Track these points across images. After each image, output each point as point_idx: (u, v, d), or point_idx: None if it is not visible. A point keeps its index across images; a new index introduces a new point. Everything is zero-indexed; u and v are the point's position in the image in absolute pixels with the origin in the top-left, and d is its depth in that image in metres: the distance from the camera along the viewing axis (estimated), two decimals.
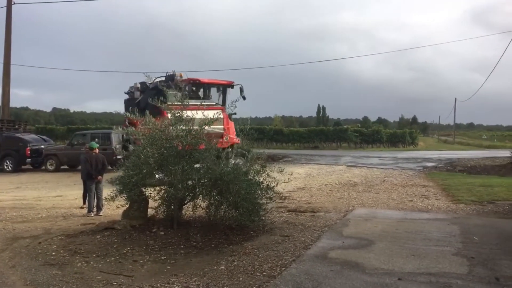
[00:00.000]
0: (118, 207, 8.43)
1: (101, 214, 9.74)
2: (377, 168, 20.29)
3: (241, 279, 5.12)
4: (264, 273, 5.32)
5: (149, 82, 15.99)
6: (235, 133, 17.52)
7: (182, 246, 6.69)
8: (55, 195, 12.93)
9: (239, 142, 18.02)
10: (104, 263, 5.92)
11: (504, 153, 22.61)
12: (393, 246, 6.33)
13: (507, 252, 6.03)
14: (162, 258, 6.15)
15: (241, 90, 17.50)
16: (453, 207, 9.94)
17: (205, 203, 7.75)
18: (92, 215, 9.61)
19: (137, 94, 16.50)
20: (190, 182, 7.42)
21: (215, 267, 5.61)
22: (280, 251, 6.25)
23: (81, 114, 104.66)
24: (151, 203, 7.98)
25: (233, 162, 8.16)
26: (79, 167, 13.63)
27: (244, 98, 17.39)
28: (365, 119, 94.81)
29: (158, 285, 5.03)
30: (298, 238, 6.97)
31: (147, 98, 15.48)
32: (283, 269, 5.39)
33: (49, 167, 20.21)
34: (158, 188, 7.66)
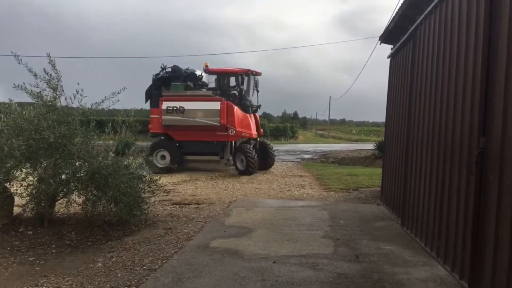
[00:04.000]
0: None
1: None
2: None
3: (119, 275, 4.97)
4: (144, 267, 5.24)
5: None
6: (251, 126, 16.19)
7: (54, 246, 6.21)
8: None
9: (256, 136, 16.21)
10: None
11: (369, 146, 25.50)
12: (270, 232, 6.75)
13: (366, 233, 6.87)
14: (30, 259, 5.64)
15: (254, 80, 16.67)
16: (324, 195, 10.95)
17: (82, 198, 7.29)
18: None
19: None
20: (63, 177, 6.91)
21: (91, 265, 5.34)
22: (162, 244, 6.20)
23: None
24: (17, 201, 7.22)
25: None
26: None
27: (257, 90, 16.77)
28: None
29: None
30: (181, 230, 6.99)
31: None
32: (164, 261, 5.37)
33: None
34: (25, 183, 6.96)
